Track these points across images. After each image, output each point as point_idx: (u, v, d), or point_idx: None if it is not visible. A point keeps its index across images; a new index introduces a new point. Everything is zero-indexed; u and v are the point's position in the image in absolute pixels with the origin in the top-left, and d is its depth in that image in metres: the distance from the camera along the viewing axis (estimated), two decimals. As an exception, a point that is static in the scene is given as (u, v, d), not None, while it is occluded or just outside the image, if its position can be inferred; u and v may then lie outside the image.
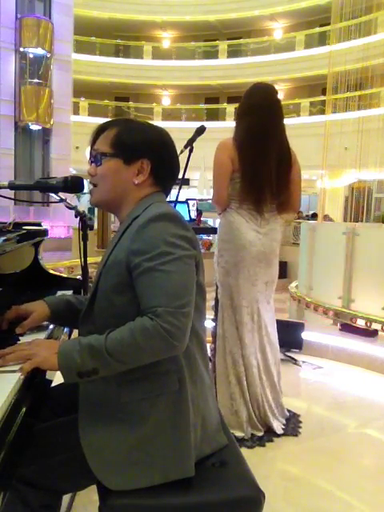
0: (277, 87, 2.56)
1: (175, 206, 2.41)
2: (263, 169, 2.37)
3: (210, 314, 2.94)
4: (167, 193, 1.33)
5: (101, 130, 1.28)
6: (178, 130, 9.38)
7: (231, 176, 2.40)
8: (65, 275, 2.21)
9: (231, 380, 2.45)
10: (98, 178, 1.25)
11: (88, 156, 1.32)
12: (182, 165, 2.20)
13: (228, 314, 2.46)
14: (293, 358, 3.71)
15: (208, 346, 2.64)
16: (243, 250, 2.38)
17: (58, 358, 1.10)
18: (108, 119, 1.37)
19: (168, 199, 1.38)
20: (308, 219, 14.02)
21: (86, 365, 1.08)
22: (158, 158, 1.25)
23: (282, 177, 2.41)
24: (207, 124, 2.99)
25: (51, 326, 1.50)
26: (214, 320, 2.59)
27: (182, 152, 2.43)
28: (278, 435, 2.50)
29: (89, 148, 1.30)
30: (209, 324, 3.61)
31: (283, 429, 2.55)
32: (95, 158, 1.26)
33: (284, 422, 2.61)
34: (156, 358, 1.11)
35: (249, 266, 2.40)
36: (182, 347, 1.10)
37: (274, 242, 2.47)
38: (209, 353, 2.68)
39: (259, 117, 2.39)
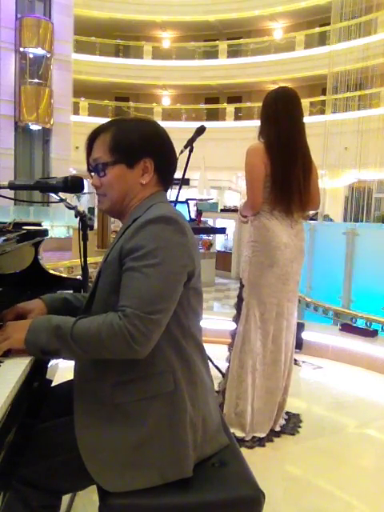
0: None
1: (175, 206, 2.39)
2: (292, 176, 2.39)
3: (215, 315, 2.95)
4: (167, 189, 1.31)
5: (94, 136, 1.24)
6: (178, 130, 9.38)
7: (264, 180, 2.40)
8: (65, 275, 2.21)
9: (244, 379, 2.44)
10: (105, 187, 1.23)
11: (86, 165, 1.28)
12: (182, 165, 2.20)
13: (253, 313, 2.45)
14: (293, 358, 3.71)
15: (213, 345, 2.65)
16: (277, 250, 2.40)
17: (27, 332, 1.14)
18: (108, 119, 1.34)
19: (168, 199, 1.37)
20: (310, 219, 14.00)
21: (51, 344, 1.12)
22: (159, 154, 1.23)
23: (307, 180, 2.44)
24: (207, 124, 2.99)
25: None
26: (236, 320, 2.58)
27: (181, 152, 2.44)
28: (278, 435, 2.50)
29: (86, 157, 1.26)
30: (211, 323, 3.61)
31: (281, 427, 2.55)
32: (96, 168, 1.23)
33: (283, 422, 2.61)
34: (116, 357, 1.11)
35: (282, 266, 2.42)
36: (144, 353, 1.09)
37: (302, 241, 2.51)
38: (215, 353, 2.67)
39: (290, 123, 2.39)
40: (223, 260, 9.37)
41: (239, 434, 2.41)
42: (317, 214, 12.84)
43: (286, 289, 2.46)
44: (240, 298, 2.53)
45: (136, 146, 1.21)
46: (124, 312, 1.08)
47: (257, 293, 2.45)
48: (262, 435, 2.45)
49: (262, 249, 2.42)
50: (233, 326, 2.60)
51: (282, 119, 2.39)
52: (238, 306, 2.55)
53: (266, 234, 2.41)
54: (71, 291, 1.95)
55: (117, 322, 1.07)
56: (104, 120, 1.36)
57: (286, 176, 2.38)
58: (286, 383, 2.55)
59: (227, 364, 2.61)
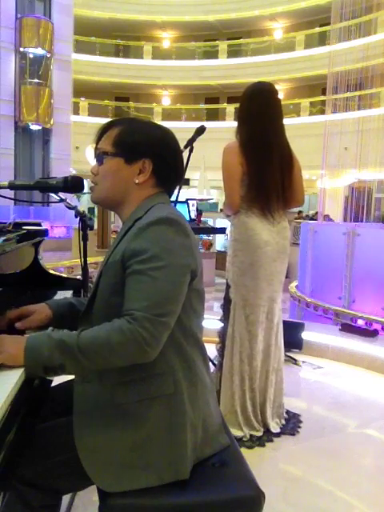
0: (277, 87, 2.56)
1: (175, 206, 2.39)
2: (268, 174, 2.39)
3: (215, 315, 2.96)
4: (170, 193, 1.32)
5: (105, 129, 1.28)
6: (178, 130, 9.33)
7: (241, 178, 2.40)
8: (65, 275, 2.21)
9: (235, 380, 2.45)
10: (100, 176, 1.26)
11: (88, 155, 1.33)
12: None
13: (240, 314, 2.45)
14: (293, 358, 3.71)
15: (213, 345, 2.66)
16: (258, 249, 2.39)
17: (25, 351, 1.09)
18: (108, 119, 1.37)
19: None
20: (310, 219, 14.01)
21: (54, 360, 1.07)
22: (160, 159, 1.24)
23: (286, 177, 2.44)
24: (207, 124, 2.99)
25: (50, 329, 1.49)
26: (223, 320, 2.58)
27: (181, 152, 2.44)
28: (278, 435, 2.50)
29: (92, 147, 1.31)
30: (211, 324, 3.61)
31: (281, 428, 2.55)
32: (98, 157, 1.27)
33: (283, 422, 2.61)
34: (126, 362, 1.10)
35: (264, 265, 2.41)
36: (153, 355, 1.09)
37: (285, 240, 2.49)
38: (215, 352, 2.68)
39: (262, 122, 2.39)
40: (223, 260, 9.30)
41: (237, 433, 2.41)
42: (316, 213, 12.84)
43: (271, 289, 2.46)
44: (226, 299, 2.54)
45: (138, 145, 1.23)
46: (132, 315, 1.07)
47: (242, 293, 2.45)
48: (259, 434, 2.45)
49: (243, 248, 2.43)
50: (219, 325, 2.62)
51: (254, 118, 2.39)
52: (224, 306, 2.56)
53: (245, 232, 2.42)
54: (71, 291, 1.95)
55: (127, 327, 1.06)
56: (104, 120, 1.38)
57: (261, 174, 2.38)
58: (266, 385, 2.52)
59: (216, 362, 2.64)
